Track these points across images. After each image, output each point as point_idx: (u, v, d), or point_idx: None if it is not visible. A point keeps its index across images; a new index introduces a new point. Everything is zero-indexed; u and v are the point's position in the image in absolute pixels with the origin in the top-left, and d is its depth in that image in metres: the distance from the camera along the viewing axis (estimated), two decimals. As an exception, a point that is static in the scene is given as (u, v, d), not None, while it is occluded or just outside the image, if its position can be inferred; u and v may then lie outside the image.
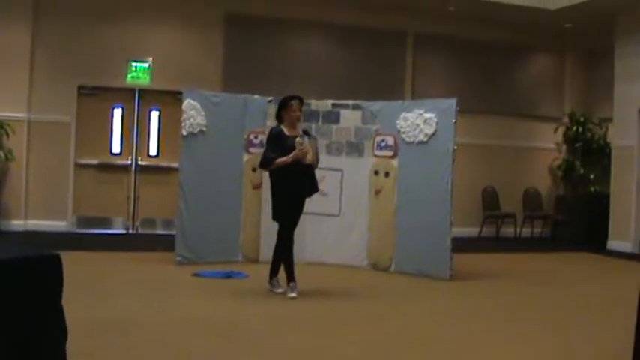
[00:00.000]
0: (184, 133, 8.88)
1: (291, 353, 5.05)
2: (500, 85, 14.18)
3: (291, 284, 7.07)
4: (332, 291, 7.15)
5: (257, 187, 9.24)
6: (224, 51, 12.62)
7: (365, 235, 9.13)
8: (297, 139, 6.96)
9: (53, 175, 11.80)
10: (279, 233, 7.16)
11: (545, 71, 14.70)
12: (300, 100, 7.29)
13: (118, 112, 12.31)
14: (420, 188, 8.70)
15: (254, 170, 9.21)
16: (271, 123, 9.16)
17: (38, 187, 11.69)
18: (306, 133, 7.32)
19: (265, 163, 7.14)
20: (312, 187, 7.20)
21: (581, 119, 14.12)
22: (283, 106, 7.25)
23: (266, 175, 9.09)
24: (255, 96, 9.44)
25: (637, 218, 12.01)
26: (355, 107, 9.31)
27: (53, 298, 3.28)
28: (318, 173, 7.29)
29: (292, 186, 7.01)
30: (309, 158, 6.98)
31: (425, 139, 8.74)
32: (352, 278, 8.34)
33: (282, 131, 7.15)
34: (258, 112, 9.26)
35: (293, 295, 6.99)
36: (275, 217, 7.16)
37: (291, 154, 6.91)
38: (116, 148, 12.31)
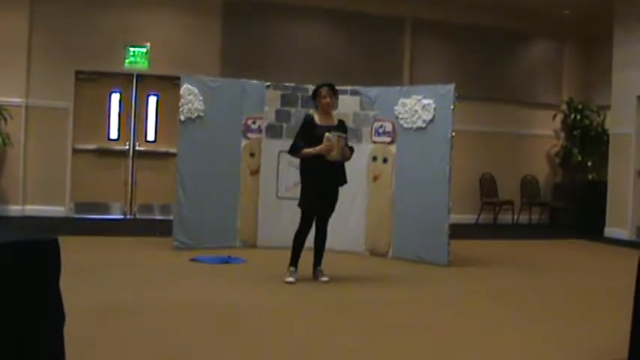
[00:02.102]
0: (182, 118, 8.86)
1: (289, 338, 5.06)
2: (498, 72, 14.17)
3: (291, 269, 7.12)
4: (330, 277, 7.15)
5: (255, 172, 9.25)
6: (222, 36, 12.59)
7: (363, 221, 9.13)
8: (327, 134, 6.94)
9: (51, 161, 11.80)
10: (300, 219, 7.20)
11: (543, 58, 14.67)
12: (331, 87, 7.26)
13: (115, 98, 12.29)
14: (418, 174, 8.69)
15: (252, 155, 9.22)
16: (269, 108, 9.22)
17: (36, 172, 11.68)
18: (341, 122, 7.33)
19: (292, 150, 7.20)
20: (338, 179, 7.20)
21: (580, 106, 14.13)
22: (315, 94, 7.29)
23: (265, 161, 9.20)
24: (254, 81, 9.42)
25: (634, 205, 12.03)
26: (353, 93, 9.29)
27: (51, 283, 3.28)
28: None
29: (318, 175, 7.04)
30: (333, 155, 6.96)
31: (423, 125, 8.73)
32: (350, 264, 8.34)
33: (313, 119, 7.20)
34: (256, 98, 9.24)
35: (290, 279, 7.03)
36: (298, 204, 7.21)
37: (317, 148, 6.95)
38: (114, 133, 12.29)
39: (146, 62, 12.28)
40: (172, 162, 10.09)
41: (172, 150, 10.55)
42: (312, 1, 12.90)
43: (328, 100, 7.20)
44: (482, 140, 13.76)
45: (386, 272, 8.10)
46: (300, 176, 7.26)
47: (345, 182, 7.31)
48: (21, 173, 11.60)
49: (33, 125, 11.64)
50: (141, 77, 12.33)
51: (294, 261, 7.14)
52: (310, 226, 7.19)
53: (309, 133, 7.06)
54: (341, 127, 7.24)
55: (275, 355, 4.69)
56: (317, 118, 7.20)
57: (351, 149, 7.29)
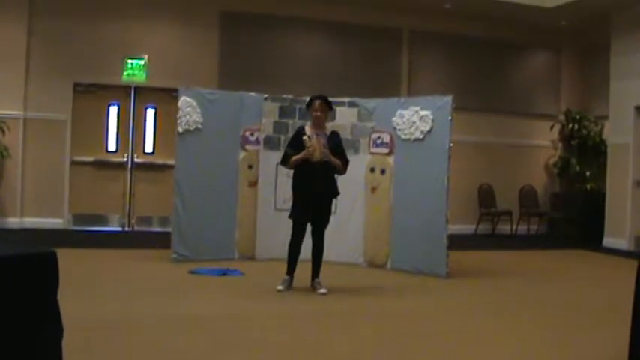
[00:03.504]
0: (180, 130, 8.87)
1: (287, 350, 5.05)
2: (496, 83, 14.19)
3: (285, 277, 7.20)
4: (328, 288, 7.14)
5: (253, 184, 9.25)
6: (220, 48, 12.61)
7: (361, 232, 9.13)
8: (304, 137, 7.07)
9: (49, 173, 11.79)
10: (292, 230, 7.28)
11: (541, 69, 14.71)
12: (324, 99, 7.30)
13: (113, 110, 12.29)
14: (416, 185, 8.70)
15: (250, 167, 9.23)
16: (267, 120, 9.23)
17: (34, 184, 11.67)
18: (333, 134, 7.37)
19: (282, 159, 7.35)
20: (328, 191, 7.21)
21: (577, 117, 14.14)
22: (308, 105, 7.39)
23: (263, 173, 9.20)
24: (251, 93, 9.44)
25: (632, 215, 12.03)
26: (351, 104, 9.31)
27: (49, 295, 3.28)
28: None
29: (304, 185, 7.13)
30: (316, 155, 7.04)
31: (421, 137, 8.74)
32: (348, 275, 8.34)
33: (303, 130, 7.27)
34: (254, 110, 9.26)
35: (279, 287, 7.12)
36: (289, 215, 7.30)
37: (301, 153, 7.04)
38: (112, 145, 12.29)
39: (144, 74, 12.29)
40: (170, 174, 10.08)
41: (170, 162, 10.55)
42: (310, 13, 12.92)
43: (319, 114, 7.23)
44: (480, 151, 13.77)
45: (384, 283, 8.09)
46: (291, 188, 7.33)
47: (337, 194, 7.35)
48: (19, 185, 11.59)
49: (31, 137, 11.64)
50: (139, 89, 12.33)
51: (288, 270, 7.23)
52: (301, 237, 7.22)
53: (297, 144, 7.14)
54: (332, 138, 7.28)
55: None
56: (308, 130, 7.24)
57: (346, 162, 7.31)
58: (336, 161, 7.18)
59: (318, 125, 7.27)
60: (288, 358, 4.87)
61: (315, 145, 7.05)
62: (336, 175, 7.30)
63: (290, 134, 9.02)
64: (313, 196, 7.13)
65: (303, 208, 7.14)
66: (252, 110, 9.26)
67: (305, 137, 7.07)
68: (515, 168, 14.28)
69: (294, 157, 7.10)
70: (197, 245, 8.86)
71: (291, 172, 7.43)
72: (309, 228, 7.29)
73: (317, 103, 7.24)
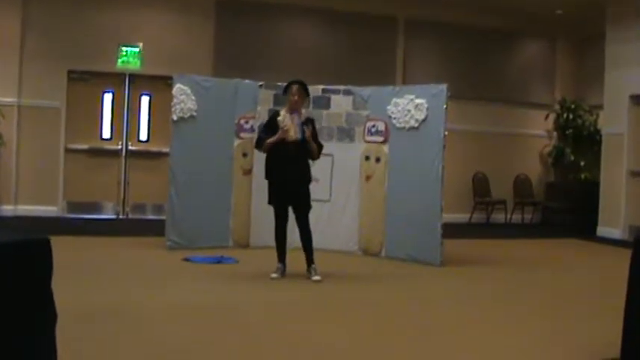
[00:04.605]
0: (175, 118, 8.85)
1: (281, 338, 5.06)
2: (491, 72, 14.19)
3: (278, 265, 7.24)
4: (322, 276, 7.15)
5: (247, 172, 9.23)
6: (215, 36, 12.58)
7: (355, 220, 9.13)
8: (278, 117, 7.12)
9: (43, 160, 11.77)
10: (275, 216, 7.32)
11: (536, 58, 14.71)
12: (301, 84, 7.29)
13: (108, 97, 12.27)
14: (411, 174, 8.69)
15: (245, 155, 9.21)
16: (262, 108, 9.21)
17: (28, 172, 11.66)
18: (308, 120, 7.34)
19: (256, 143, 7.39)
20: (300, 175, 7.18)
21: (572, 106, 14.14)
22: (285, 90, 7.37)
23: (258, 160, 9.15)
24: (246, 81, 9.42)
25: (627, 205, 12.05)
26: (346, 93, 9.30)
27: (43, 283, 3.28)
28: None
29: (278, 172, 7.16)
30: (291, 135, 7.07)
31: (416, 125, 8.73)
32: (343, 263, 8.34)
33: (278, 113, 7.27)
34: (249, 97, 9.24)
35: (274, 275, 7.17)
36: (268, 200, 7.34)
37: (275, 135, 7.05)
38: (106, 133, 12.27)
39: (138, 62, 12.26)
40: (165, 162, 10.08)
41: (165, 150, 10.53)
42: (306, 1, 12.90)
43: (297, 98, 7.22)
44: (475, 140, 13.78)
45: (379, 272, 8.10)
46: (265, 173, 7.36)
47: (310, 180, 7.30)
48: (13, 173, 11.58)
49: (25, 125, 11.62)
50: (133, 77, 12.31)
51: (279, 257, 7.29)
52: (284, 221, 7.28)
53: (272, 128, 7.16)
54: (308, 123, 7.27)
55: (266, 355, 4.68)
56: (283, 115, 7.23)
57: (320, 146, 7.33)
58: (313, 145, 7.20)
59: (295, 110, 7.25)
60: (284, 345, 4.87)
61: (289, 125, 7.07)
62: (310, 161, 7.31)
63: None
64: (287, 182, 7.16)
65: (280, 194, 7.19)
66: (247, 98, 9.24)
67: (279, 117, 7.10)
68: (510, 157, 14.31)
69: (269, 140, 7.09)
70: (192, 233, 8.86)
71: None
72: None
73: (294, 87, 7.23)
